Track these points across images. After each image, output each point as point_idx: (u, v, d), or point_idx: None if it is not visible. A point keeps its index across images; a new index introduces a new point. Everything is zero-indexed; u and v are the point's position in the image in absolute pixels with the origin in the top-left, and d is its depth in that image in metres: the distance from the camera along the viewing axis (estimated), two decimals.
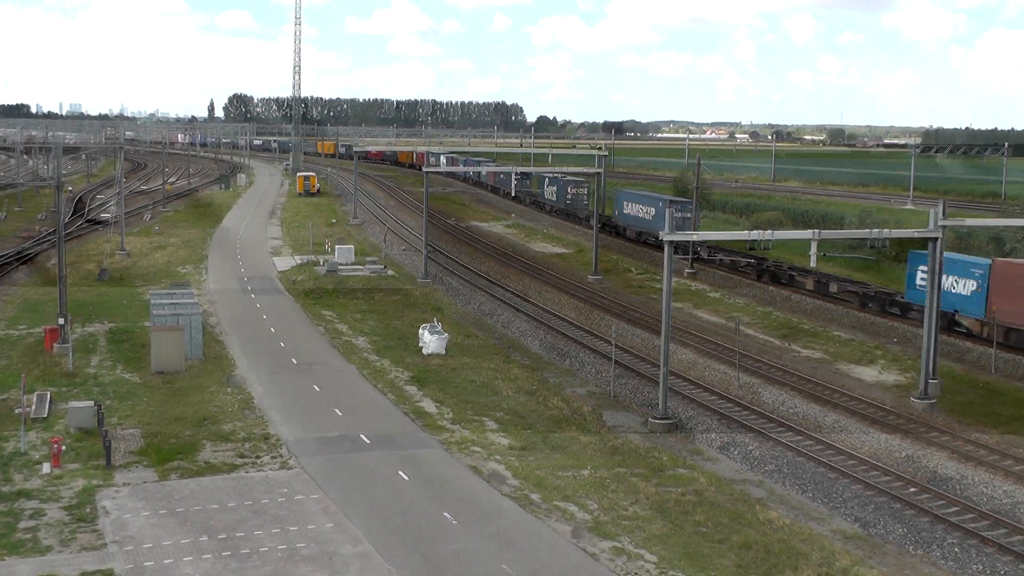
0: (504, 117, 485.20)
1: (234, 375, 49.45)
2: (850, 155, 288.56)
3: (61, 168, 60.34)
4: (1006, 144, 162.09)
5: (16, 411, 40.83)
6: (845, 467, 38.72)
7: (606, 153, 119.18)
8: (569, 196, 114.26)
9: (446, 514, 32.75)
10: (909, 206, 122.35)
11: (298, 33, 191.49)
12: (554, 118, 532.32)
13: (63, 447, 36.91)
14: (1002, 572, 30.69)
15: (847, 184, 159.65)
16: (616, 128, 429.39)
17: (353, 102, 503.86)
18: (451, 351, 54.81)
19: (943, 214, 47.37)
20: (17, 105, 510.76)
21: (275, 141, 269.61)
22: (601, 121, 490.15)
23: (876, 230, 48.90)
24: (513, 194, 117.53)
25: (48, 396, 43.55)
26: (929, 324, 47.39)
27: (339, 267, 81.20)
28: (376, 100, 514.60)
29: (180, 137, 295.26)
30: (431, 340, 54.67)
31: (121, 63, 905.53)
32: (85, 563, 28.47)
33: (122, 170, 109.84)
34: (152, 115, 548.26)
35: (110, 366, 50.34)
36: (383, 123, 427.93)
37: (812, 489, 36.96)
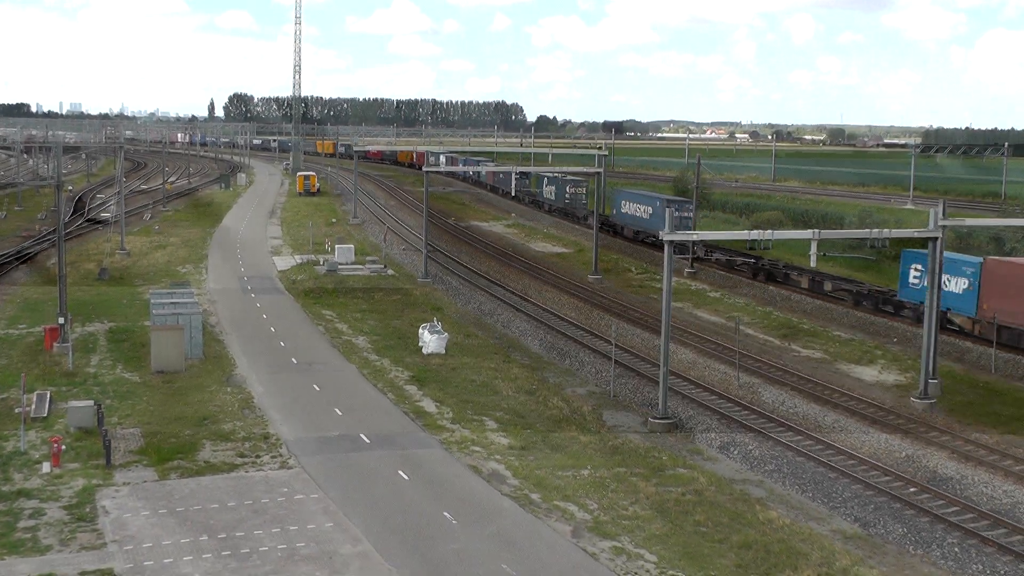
0: (504, 117, 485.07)
1: (234, 374, 49.45)
2: (850, 155, 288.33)
3: (61, 167, 60.32)
4: (1006, 144, 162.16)
5: (16, 410, 40.82)
6: (845, 467, 38.72)
7: (606, 153, 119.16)
8: (567, 195, 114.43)
9: (446, 514, 32.75)
10: (909, 206, 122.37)
11: (298, 33, 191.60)
12: (554, 118, 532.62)
13: (63, 446, 36.90)
14: (1002, 572, 30.70)
15: (847, 184, 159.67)
16: (616, 128, 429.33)
17: (353, 102, 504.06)
18: (451, 351, 54.81)
19: (943, 214, 47.37)
20: (17, 104, 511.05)
21: (274, 140, 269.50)
22: (601, 121, 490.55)
23: (876, 230, 48.92)
24: (513, 194, 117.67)
25: (48, 395, 43.55)
26: (929, 324, 47.39)
27: (339, 266, 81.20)
28: (376, 100, 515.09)
29: (180, 136, 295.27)
30: (431, 340, 54.67)
31: (121, 63, 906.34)
32: (85, 562, 28.47)
33: (122, 169, 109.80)
34: (152, 114, 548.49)
35: (110, 365, 50.34)
36: (383, 123, 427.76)
37: (812, 489, 36.97)
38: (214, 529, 30.98)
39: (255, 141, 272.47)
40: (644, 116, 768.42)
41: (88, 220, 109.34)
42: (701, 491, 35.79)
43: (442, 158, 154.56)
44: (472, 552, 29.96)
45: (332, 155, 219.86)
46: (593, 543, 30.89)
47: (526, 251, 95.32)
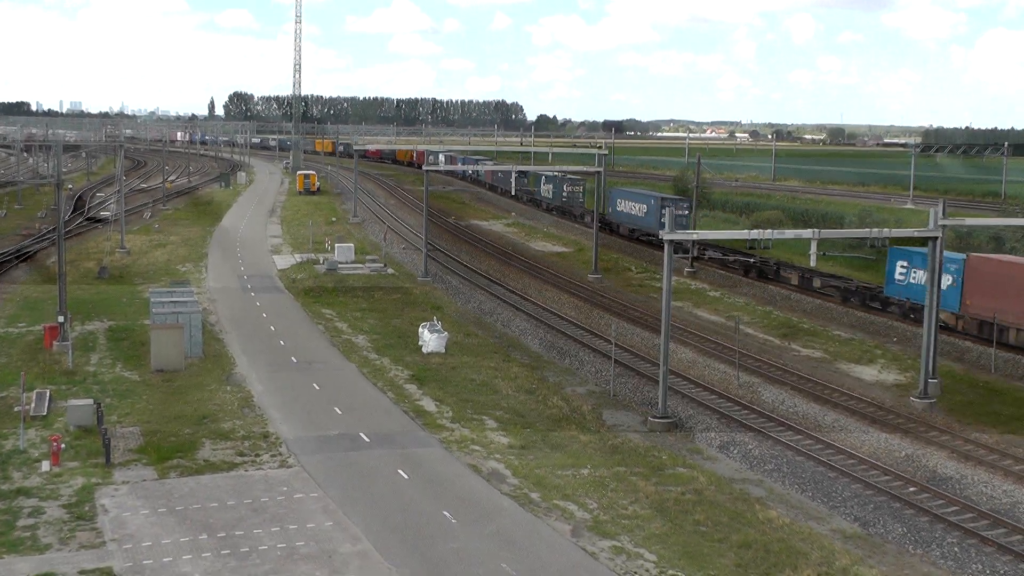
0: (504, 116, 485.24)
1: (234, 373, 49.44)
2: (848, 154, 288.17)
3: (61, 166, 60.31)
4: (1006, 144, 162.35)
5: (15, 409, 40.80)
6: (845, 466, 38.71)
7: (606, 152, 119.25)
8: (565, 194, 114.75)
9: (445, 513, 32.74)
10: (909, 205, 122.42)
11: (298, 32, 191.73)
12: (554, 117, 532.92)
13: (62, 445, 36.89)
14: (1001, 571, 30.68)
15: (847, 183, 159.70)
16: (616, 127, 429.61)
17: (353, 101, 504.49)
18: (451, 350, 54.79)
19: (943, 214, 47.36)
20: (17, 103, 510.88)
21: (273, 139, 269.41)
22: (601, 120, 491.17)
23: (876, 229, 48.92)
24: (513, 193, 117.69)
25: (47, 394, 43.53)
26: (929, 323, 47.39)
27: (339, 265, 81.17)
28: (376, 99, 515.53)
29: (180, 135, 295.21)
30: (431, 339, 54.65)
31: (121, 61, 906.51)
32: (84, 561, 28.45)
33: (122, 168, 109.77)
34: (152, 113, 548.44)
35: (110, 364, 50.32)
36: (383, 121, 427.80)
37: (812, 488, 36.95)
38: (213, 528, 30.97)
39: (254, 140, 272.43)
40: (644, 115, 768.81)
41: (88, 219, 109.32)
42: (701, 490, 35.78)
43: (441, 157, 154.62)
44: (472, 551, 29.95)
45: (331, 154, 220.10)
46: (593, 542, 30.88)
47: (526, 250, 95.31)
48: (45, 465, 35.78)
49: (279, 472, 36.19)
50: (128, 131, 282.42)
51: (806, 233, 46.37)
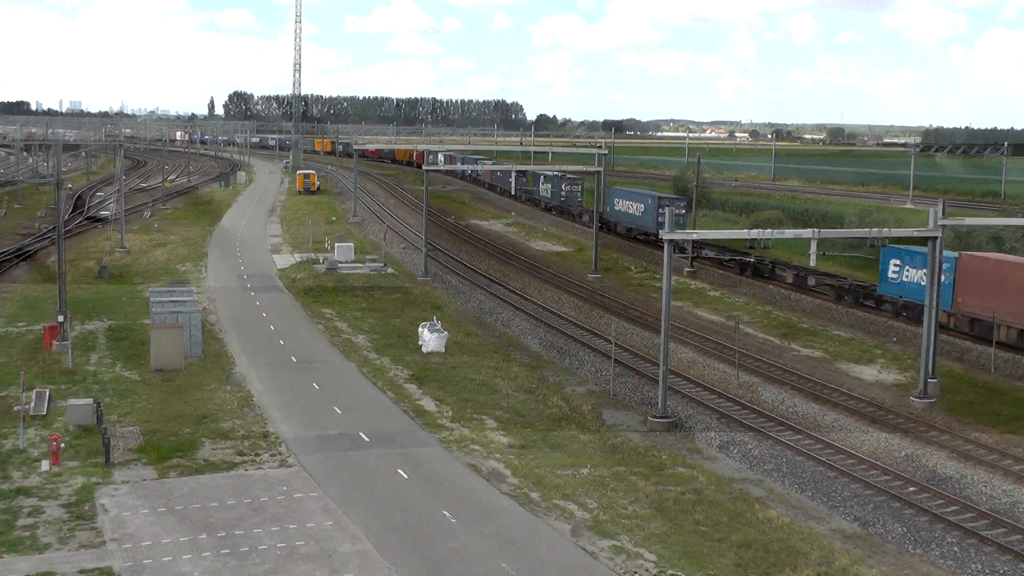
0: (504, 115, 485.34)
1: (233, 373, 49.44)
2: (849, 154, 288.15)
3: (61, 165, 60.30)
4: (1006, 143, 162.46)
5: (15, 408, 40.79)
6: (844, 466, 38.70)
7: (606, 152, 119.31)
8: (563, 193, 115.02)
9: (445, 512, 32.74)
10: (909, 205, 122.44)
11: (298, 31, 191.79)
12: (554, 116, 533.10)
13: (62, 444, 36.89)
14: (1001, 571, 30.68)
15: (847, 183, 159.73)
16: (616, 127, 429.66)
17: (353, 100, 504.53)
18: (451, 349, 54.79)
19: (943, 213, 47.37)
20: (17, 102, 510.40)
21: (273, 139, 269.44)
22: (601, 120, 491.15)
23: (876, 229, 48.97)
24: (513, 192, 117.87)
25: (47, 393, 43.53)
26: (929, 323, 47.39)
27: (339, 265, 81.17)
28: (376, 98, 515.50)
29: (179, 135, 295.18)
30: (431, 338, 54.65)
31: (121, 61, 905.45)
32: (84, 561, 28.45)
33: (122, 167, 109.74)
34: (152, 113, 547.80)
35: (109, 363, 50.31)
36: (383, 121, 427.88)
37: (811, 488, 36.95)
38: (213, 527, 30.96)
39: (254, 140, 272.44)
40: (644, 115, 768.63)
41: (88, 218, 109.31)
42: (700, 490, 35.78)
43: (440, 156, 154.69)
44: (471, 551, 29.95)
45: (331, 153, 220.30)
46: (592, 542, 30.88)
47: (526, 250, 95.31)
48: (45, 464, 35.77)
49: (279, 472, 36.19)
50: (128, 130, 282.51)
51: (806, 233, 46.37)
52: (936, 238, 46.87)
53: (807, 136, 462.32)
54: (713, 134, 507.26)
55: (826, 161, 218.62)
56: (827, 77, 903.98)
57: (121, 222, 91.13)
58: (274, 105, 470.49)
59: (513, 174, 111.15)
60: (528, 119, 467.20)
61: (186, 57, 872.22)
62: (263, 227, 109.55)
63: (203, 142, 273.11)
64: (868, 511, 34.73)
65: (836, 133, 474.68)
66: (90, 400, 41.52)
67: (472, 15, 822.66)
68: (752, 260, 78.29)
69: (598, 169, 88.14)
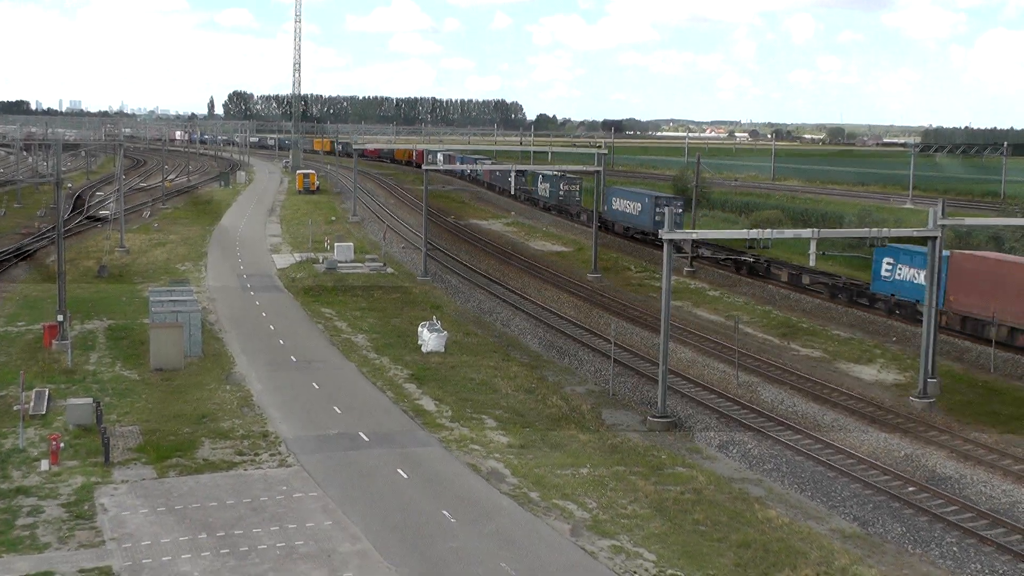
0: (504, 115, 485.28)
1: (233, 372, 49.43)
2: (849, 154, 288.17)
3: (61, 165, 60.26)
4: (1005, 143, 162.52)
5: (15, 408, 40.78)
6: (844, 466, 38.70)
7: (606, 151, 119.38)
8: (561, 192, 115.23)
9: (445, 512, 32.73)
10: (908, 205, 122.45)
11: (298, 31, 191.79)
12: (554, 116, 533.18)
13: (61, 444, 36.88)
14: (1000, 571, 30.68)
15: (847, 183, 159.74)
16: (616, 126, 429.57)
17: (353, 100, 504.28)
18: (450, 349, 54.79)
19: (942, 213, 47.37)
20: (17, 102, 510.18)
21: (272, 138, 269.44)
22: (601, 119, 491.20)
23: (875, 229, 48.95)
24: (512, 192, 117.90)
25: (47, 393, 43.53)
26: (928, 322, 47.39)
27: (338, 265, 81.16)
28: (376, 98, 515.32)
29: (179, 134, 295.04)
30: (430, 338, 54.64)
31: (121, 60, 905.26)
32: (83, 560, 28.45)
33: (121, 167, 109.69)
34: (152, 112, 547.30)
35: (109, 363, 50.31)
36: (383, 121, 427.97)
37: (811, 488, 36.95)
38: (213, 527, 30.96)
39: (254, 139, 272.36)
40: (644, 115, 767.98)
41: (87, 217, 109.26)
42: (700, 490, 35.78)
43: (440, 156, 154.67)
44: (471, 550, 29.95)
45: (330, 153, 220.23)
46: (592, 542, 30.88)
47: (525, 249, 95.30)
48: (44, 464, 35.77)
49: (278, 471, 36.18)
50: (127, 130, 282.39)
51: (805, 233, 46.38)
52: (936, 238, 46.87)
53: (807, 136, 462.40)
54: (713, 134, 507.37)
55: (826, 161, 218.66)
56: (827, 77, 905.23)
57: (121, 221, 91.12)
58: (274, 105, 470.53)
59: (512, 174, 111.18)
60: (528, 119, 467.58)
61: (186, 56, 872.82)
62: (263, 227, 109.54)
63: (203, 142, 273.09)
64: (868, 511, 34.74)
65: (836, 133, 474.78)
66: (89, 399, 41.52)
67: (472, 15, 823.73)
68: (747, 259, 78.71)
69: (597, 169, 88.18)
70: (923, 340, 47.34)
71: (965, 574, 30.68)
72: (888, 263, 62.31)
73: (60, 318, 52.47)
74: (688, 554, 30.21)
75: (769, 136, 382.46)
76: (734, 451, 40.96)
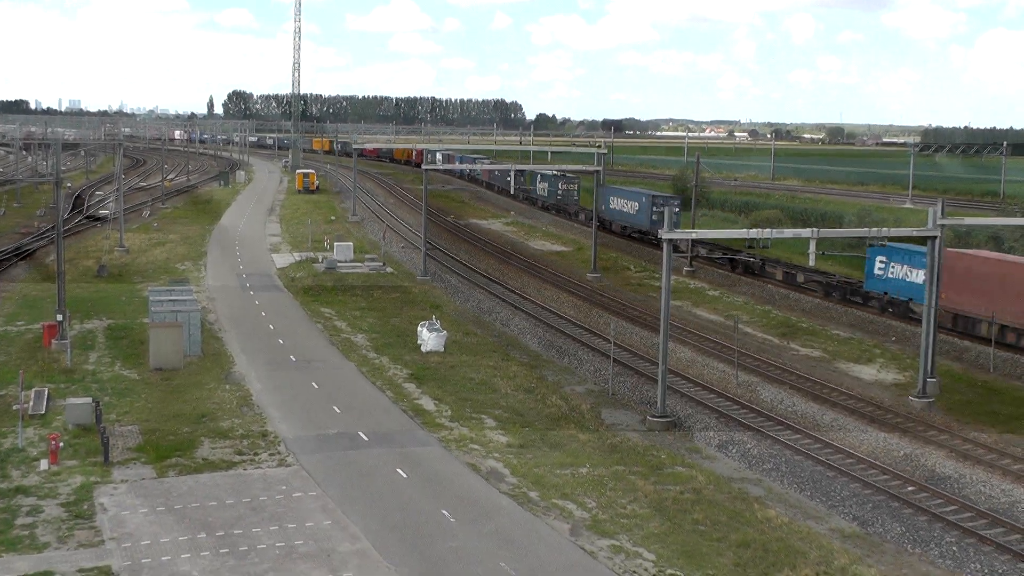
0: (504, 115, 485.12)
1: (232, 372, 49.42)
2: (848, 154, 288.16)
3: (60, 164, 60.22)
4: (1005, 143, 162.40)
5: (14, 407, 40.75)
6: (843, 466, 38.71)
7: (605, 151, 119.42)
8: (560, 192, 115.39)
9: (444, 512, 32.73)
10: (908, 205, 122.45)
11: (298, 30, 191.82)
12: (554, 116, 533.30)
13: (61, 443, 36.87)
14: (1000, 571, 30.69)
15: (846, 183, 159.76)
16: (615, 126, 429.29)
17: (353, 99, 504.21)
18: (450, 349, 54.78)
19: (942, 213, 47.38)
20: (16, 101, 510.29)
21: (271, 138, 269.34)
22: (601, 119, 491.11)
23: (875, 229, 48.95)
24: (511, 191, 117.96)
25: (46, 392, 43.52)
26: (928, 322, 47.42)
27: (338, 264, 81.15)
28: (376, 97, 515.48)
29: (178, 134, 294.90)
30: (430, 338, 54.63)
31: (121, 60, 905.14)
32: (83, 560, 28.44)
33: (121, 166, 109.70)
34: (151, 112, 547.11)
35: (108, 363, 50.30)
36: (383, 120, 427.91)
37: (810, 487, 36.95)
38: (212, 527, 30.96)
39: (253, 139, 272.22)
40: (643, 114, 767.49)
41: (87, 217, 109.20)
42: (699, 490, 35.78)
43: (439, 156, 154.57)
44: (470, 550, 29.95)
45: (330, 152, 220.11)
46: (591, 541, 30.88)
47: (525, 249, 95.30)
48: (43, 464, 35.75)
49: (278, 471, 36.18)
50: (127, 129, 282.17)
51: (805, 232, 46.38)
52: (935, 238, 46.89)
53: (806, 136, 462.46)
54: (712, 134, 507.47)
55: (825, 161, 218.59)
56: (827, 77, 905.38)
57: (120, 221, 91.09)
58: (273, 104, 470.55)
59: (512, 173, 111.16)
60: (527, 118, 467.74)
61: (185, 56, 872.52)
62: (262, 226, 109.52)
63: (202, 141, 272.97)
64: (867, 510, 34.74)
65: (835, 133, 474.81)
66: (89, 399, 41.51)
67: (472, 15, 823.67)
68: (743, 258, 79.12)
69: (597, 168, 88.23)
70: (922, 340, 47.37)
71: (964, 574, 30.69)
72: (881, 261, 62.80)
73: (59, 317, 52.46)
74: (687, 554, 30.21)
75: (769, 136, 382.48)
76: (733, 451, 40.96)
